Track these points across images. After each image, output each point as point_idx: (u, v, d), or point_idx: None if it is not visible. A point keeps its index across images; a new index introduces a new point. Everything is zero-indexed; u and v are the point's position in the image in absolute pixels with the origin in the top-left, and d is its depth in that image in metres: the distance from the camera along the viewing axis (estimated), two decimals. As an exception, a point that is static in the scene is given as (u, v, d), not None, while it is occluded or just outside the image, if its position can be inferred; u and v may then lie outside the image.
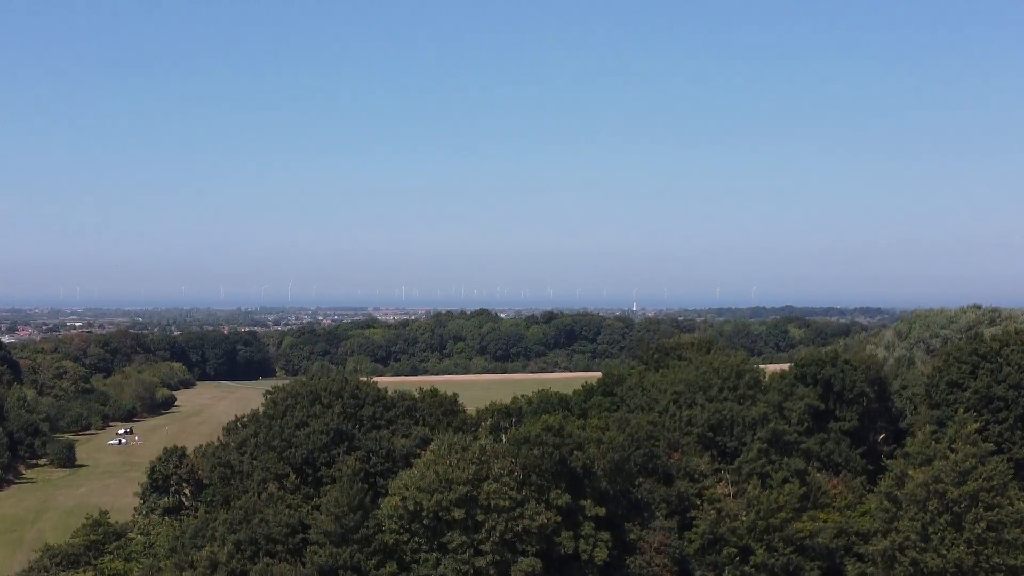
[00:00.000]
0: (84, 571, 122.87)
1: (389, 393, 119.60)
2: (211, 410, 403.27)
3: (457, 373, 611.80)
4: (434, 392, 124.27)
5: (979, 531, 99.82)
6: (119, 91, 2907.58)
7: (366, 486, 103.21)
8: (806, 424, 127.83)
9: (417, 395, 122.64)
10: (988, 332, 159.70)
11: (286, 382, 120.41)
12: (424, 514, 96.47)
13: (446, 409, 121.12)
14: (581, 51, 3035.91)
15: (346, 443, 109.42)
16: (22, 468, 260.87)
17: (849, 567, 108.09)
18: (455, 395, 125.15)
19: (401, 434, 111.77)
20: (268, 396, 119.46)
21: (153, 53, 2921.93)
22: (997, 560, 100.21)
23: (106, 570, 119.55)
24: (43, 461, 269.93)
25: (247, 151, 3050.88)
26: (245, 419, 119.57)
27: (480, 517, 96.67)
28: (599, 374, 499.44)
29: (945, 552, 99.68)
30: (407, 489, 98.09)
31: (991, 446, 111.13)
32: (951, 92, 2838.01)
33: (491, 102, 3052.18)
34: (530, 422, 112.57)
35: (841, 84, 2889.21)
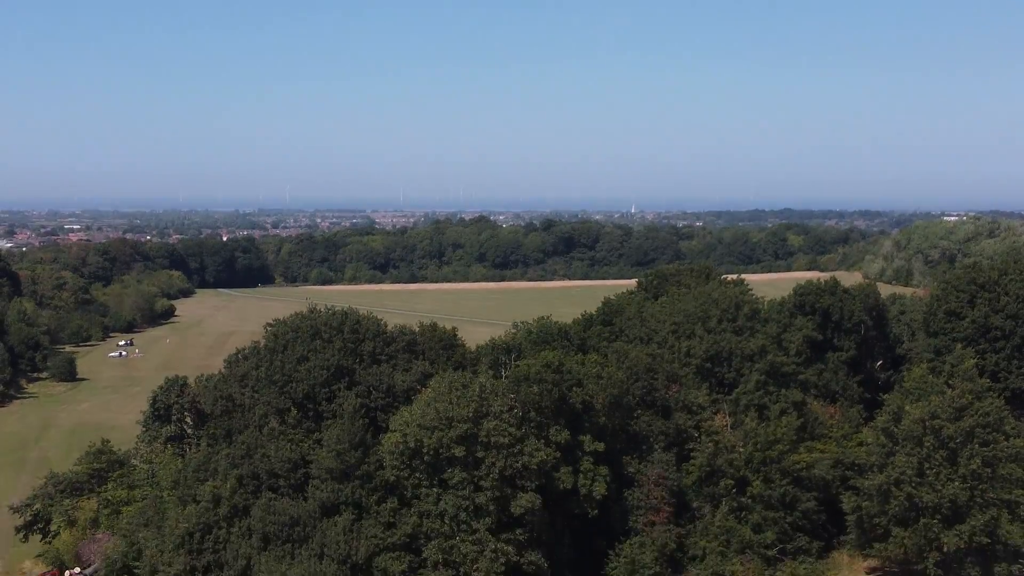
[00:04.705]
0: (88, 498, 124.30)
1: (389, 327, 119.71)
2: (211, 321, 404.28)
3: (456, 281, 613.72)
4: (434, 327, 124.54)
5: (974, 467, 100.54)
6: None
7: (367, 421, 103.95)
8: (804, 355, 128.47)
9: (417, 330, 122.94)
10: (987, 262, 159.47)
11: (288, 316, 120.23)
12: (425, 451, 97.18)
13: (446, 344, 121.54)
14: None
15: (347, 378, 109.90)
16: (24, 383, 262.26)
17: (845, 501, 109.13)
18: (454, 329, 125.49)
19: (402, 369, 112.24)
20: (269, 329, 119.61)
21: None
22: (992, 495, 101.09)
23: (110, 498, 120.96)
24: (44, 375, 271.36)
25: (246, 56, 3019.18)
26: (246, 351, 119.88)
27: (480, 454, 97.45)
28: (597, 282, 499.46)
29: (940, 487, 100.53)
30: (408, 426, 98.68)
31: (987, 382, 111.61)
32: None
33: (492, 7, 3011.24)
34: (529, 357, 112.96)
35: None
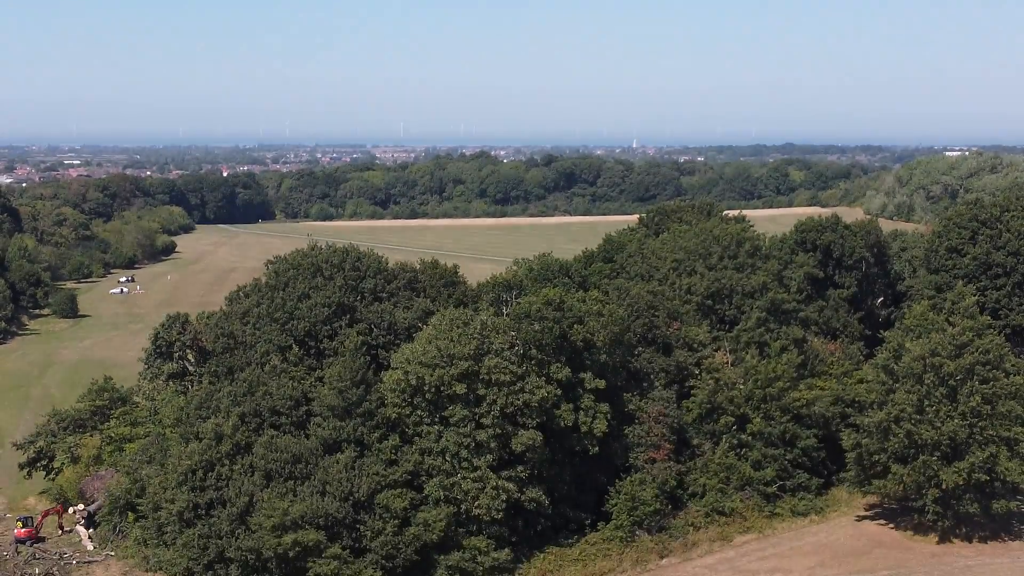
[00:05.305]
0: (91, 435, 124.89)
1: (390, 264, 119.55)
2: (212, 257, 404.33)
3: (457, 217, 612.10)
4: (435, 264, 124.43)
5: (974, 404, 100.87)
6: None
7: (368, 359, 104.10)
8: (805, 292, 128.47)
9: (418, 267, 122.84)
10: (989, 198, 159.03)
11: (289, 253, 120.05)
12: (426, 388, 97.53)
13: (447, 281, 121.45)
14: None
15: (348, 316, 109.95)
16: (25, 319, 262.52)
17: (845, 438, 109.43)
18: (455, 266, 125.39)
19: (403, 306, 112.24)
20: (270, 266, 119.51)
21: None
22: (991, 432, 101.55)
23: (112, 435, 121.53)
24: (46, 312, 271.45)
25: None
26: (247, 288, 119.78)
27: (481, 391, 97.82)
28: (598, 218, 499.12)
29: (940, 424, 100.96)
30: (409, 363, 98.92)
31: (988, 319, 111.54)
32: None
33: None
34: (530, 294, 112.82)
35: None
